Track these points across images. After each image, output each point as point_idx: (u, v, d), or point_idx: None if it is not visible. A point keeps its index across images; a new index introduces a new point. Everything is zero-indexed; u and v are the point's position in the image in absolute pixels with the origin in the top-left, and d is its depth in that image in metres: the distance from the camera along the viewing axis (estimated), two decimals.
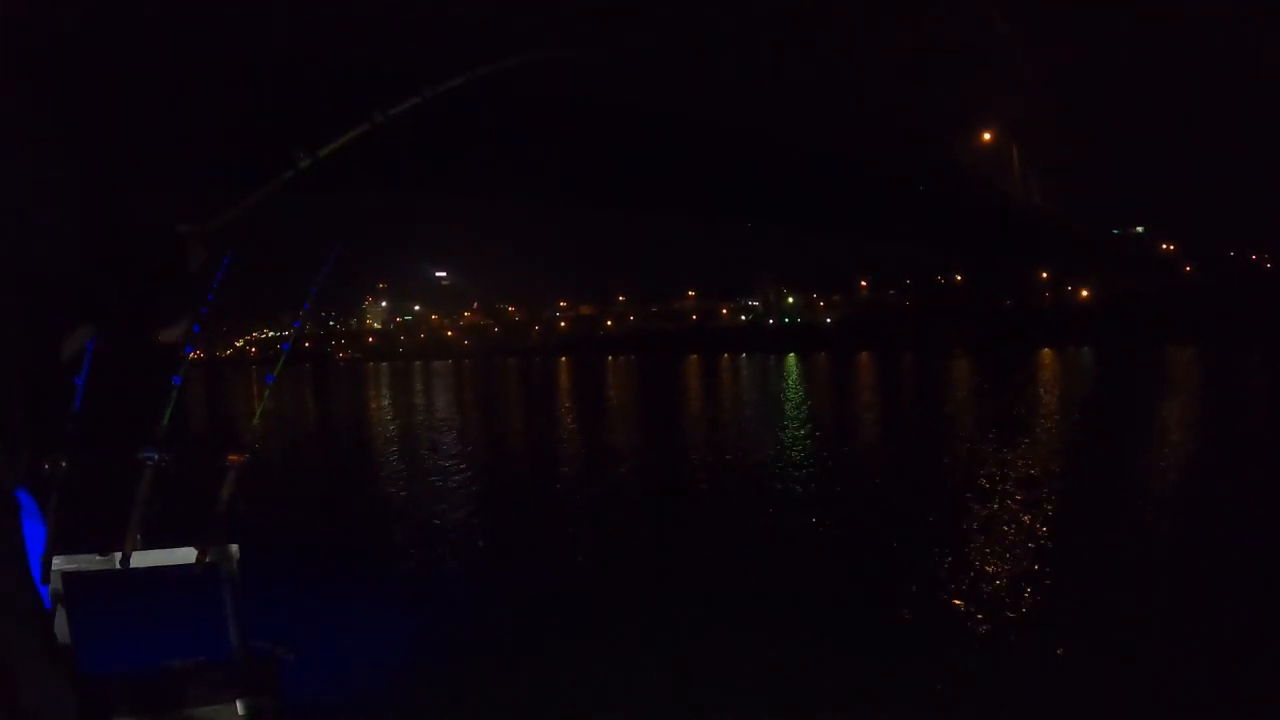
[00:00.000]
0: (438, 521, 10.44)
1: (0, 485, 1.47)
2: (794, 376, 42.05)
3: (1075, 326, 62.95)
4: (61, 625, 2.66)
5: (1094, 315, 68.87)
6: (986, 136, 75.88)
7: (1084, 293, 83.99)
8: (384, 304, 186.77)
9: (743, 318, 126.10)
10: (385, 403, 38.12)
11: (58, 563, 2.59)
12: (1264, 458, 12.49)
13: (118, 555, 2.59)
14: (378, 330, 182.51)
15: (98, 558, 2.63)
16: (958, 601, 6.56)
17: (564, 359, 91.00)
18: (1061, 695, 4.99)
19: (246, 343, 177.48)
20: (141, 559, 2.62)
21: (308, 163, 2.23)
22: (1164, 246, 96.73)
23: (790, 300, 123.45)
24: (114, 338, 1.84)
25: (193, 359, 3.02)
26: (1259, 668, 5.11)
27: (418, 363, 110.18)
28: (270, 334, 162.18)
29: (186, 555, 2.68)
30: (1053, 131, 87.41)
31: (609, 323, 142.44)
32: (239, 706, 2.51)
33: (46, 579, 2.56)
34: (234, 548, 2.70)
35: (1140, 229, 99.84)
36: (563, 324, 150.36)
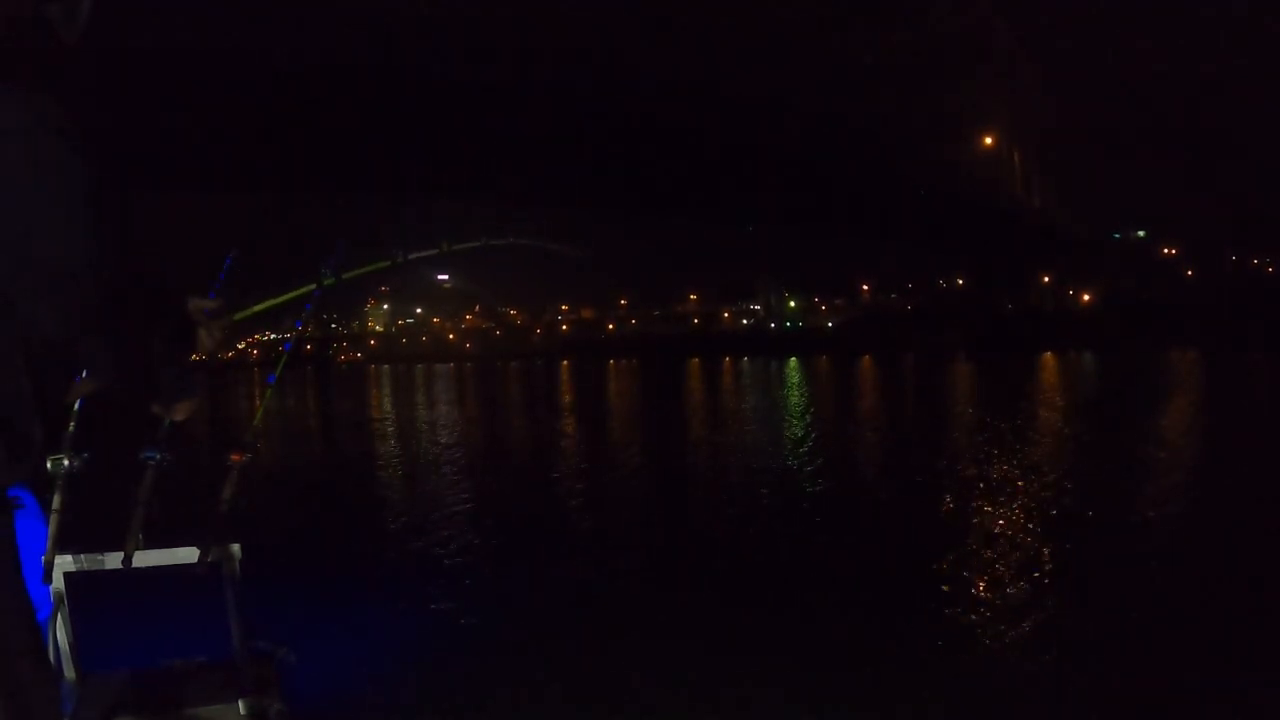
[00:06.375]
0: (440, 522, 10.43)
1: None
2: (796, 380, 42.02)
3: (1077, 330, 62.92)
4: (64, 625, 2.66)
5: (1095, 319, 68.83)
6: (988, 140, 75.98)
7: (1085, 297, 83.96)
8: (386, 306, 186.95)
9: (744, 321, 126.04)
10: (387, 405, 38.16)
11: (60, 562, 2.60)
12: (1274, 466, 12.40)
13: (120, 555, 2.59)
14: (379, 333, 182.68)
15: (100, 557, 2.64)
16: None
17: (565, 362, 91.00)
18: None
19: (249, 344, 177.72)
20: (143, 559, 2.62)
21: (331, 279, 2.58)
22: (1165, 251, 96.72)
23: (792, 304, 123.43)
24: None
25: (194, 360, 3.03)
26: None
27: (419, 366, 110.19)
28: (272, 336, 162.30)
29: (188, 555, 2.68)
30: (1054, 135, 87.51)
31: (610, 326, 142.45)
32: (240, 706, 2.51)
33: (49, 579, 2.57)
34: (236, 547, 2.71)
35: (1142, 233, 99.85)
36: (564, 327, 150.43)
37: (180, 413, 1.91)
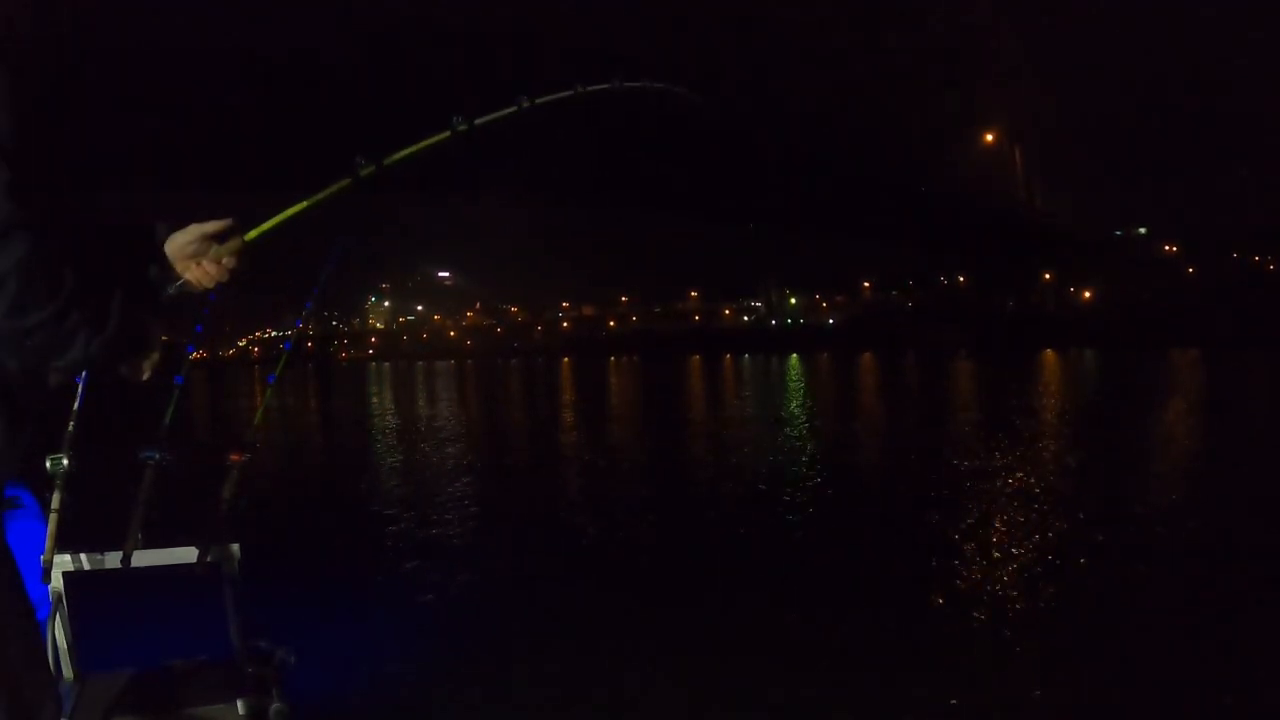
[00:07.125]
0: (441, 522, 10.44)
1: None
2: (796, 378, 42.01)
3: (1078, 328, 62.90)
4: (63, 625, 2.66)
5: (1097, 317, 68.81)
6: (989, 138, 75.97)
7: (1086, 294, 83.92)
8: (387, 304, 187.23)
9: (745, 318, 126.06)
10: (388, 402, 38.16)
11: (59, 562, 2.60)
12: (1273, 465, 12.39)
13: (119, 554, 2.59)
14: (380, 330, 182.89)
15: (99, 557, 2.63)
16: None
17: (566, 360, 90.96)
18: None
19: (249, 342, 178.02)
20: (143, 558, 2.62)
21: (370, 168, 1.85)
22: (1167, 248, 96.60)
23: (793, 301, 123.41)
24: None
25: (195, 358, 3.03)
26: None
27: (420, 363, 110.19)
28: (273, 333, 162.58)
29: (188, 554, 2.68)
30: (1055, 133, 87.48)
31: (611, 323, 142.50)
32: (240, 706, 2.51)
33: (48, 578, 2.57)
34: (235, 547, 2.71)
35: (1143, 230, 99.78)
36: (565, 324, 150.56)
37: (146, 370, 1.63)
